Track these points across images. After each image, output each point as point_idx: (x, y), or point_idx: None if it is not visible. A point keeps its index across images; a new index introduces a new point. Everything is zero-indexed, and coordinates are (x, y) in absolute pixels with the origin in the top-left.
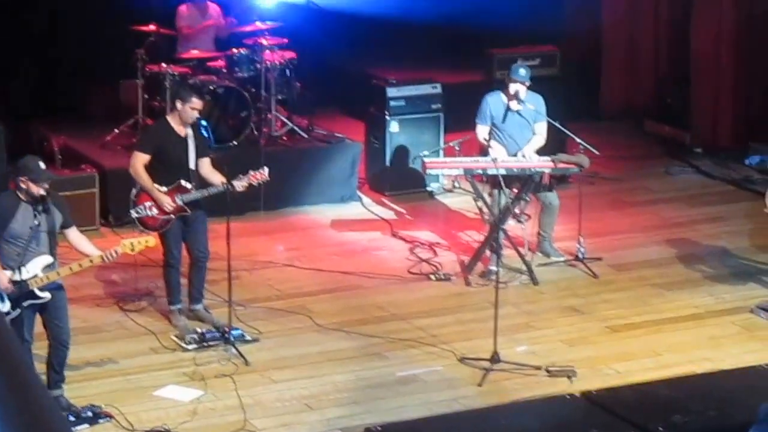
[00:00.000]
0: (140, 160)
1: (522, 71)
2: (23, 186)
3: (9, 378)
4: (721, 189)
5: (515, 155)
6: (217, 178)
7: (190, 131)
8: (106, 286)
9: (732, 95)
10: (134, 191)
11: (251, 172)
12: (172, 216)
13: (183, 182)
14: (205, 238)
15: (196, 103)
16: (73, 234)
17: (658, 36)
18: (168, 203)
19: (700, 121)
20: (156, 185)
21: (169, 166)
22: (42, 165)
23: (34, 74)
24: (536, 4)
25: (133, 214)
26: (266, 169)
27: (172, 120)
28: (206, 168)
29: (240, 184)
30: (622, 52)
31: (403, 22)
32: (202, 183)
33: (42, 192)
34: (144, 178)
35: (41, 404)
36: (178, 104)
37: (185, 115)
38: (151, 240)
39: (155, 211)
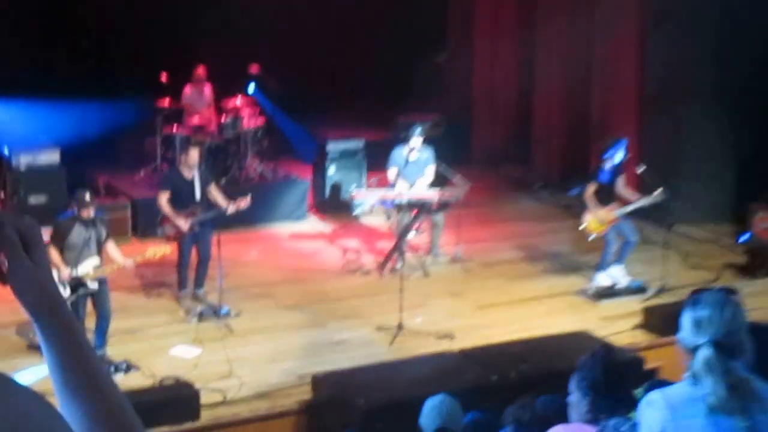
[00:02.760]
0: (163, 197)
1: (418, 129)
2: (76, 210)
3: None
4: (553, 211)
5: (412, 188)
6: (219, 200)
7: (195, 172)
8: (136, 280)
9: (559, 144)
10: (159, 217)
11: (239, 198)
12: (187, 233)
13: (192, 208)
14: (210, 245)
15: (194, 155)
16: (110, 245)
17: (510, 107)
18: (183, 223)
19: (538, 163)
20: (175, 212)
21: (181, 199)
22: (87, 197)
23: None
24: (427, 84)
25: (159, 233)
26: (249, 196)
27: (182, 167)
28: (213, 192)
29: (232, 208)
30: (486, 116)
31: (337, 97)
32: (209, 205)
33: (91, 214)
34: (165, 209)
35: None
36: (183, 157)
37: (189, 162)
38: (168, 249)
39: (174, 230)
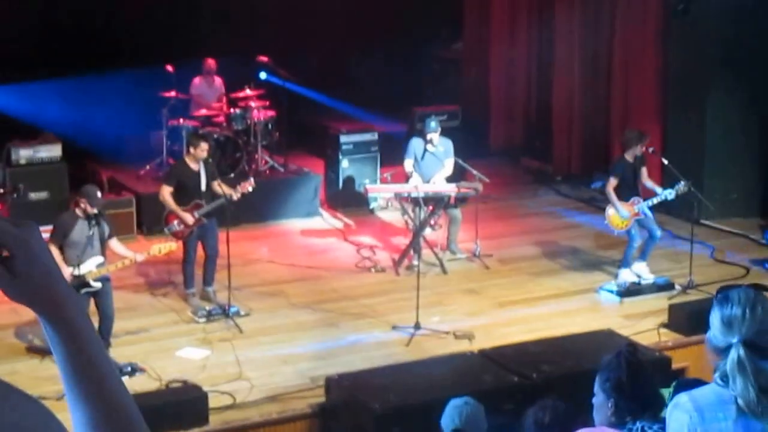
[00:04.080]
0: (166, 190)
1: (433, 124)
2: (82, 206)
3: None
4: (574, 205)
5: (429, 183)
6: (223, 191)
7: (201, 164)
8: (140, 278)
9: (580, 136)
10: (164, 213)
11: (242, 183)
12: (194, 228)
13: (198, 201)
14: (216, 241)
15: (204, 146)
16: (114, 242)
17: (528, 97)
18: (189, 218)
19: (559, 156)
20: (180, 206)
21: (187, 192)
22: (99, 193)
23: (88, 125)
24: (444, 74)
25: (166, 231)
26: (251, 179)
27: (189, 159)
28: (215, 186)
29: (235, 194)
30: (504, 107)
31: (351, 88)
32: (212, 198)
33: (95, 211)
34: (170, 203)
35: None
36: (191, 148)
37: (197, 155)
38: (174, 246)
39: (181, 226)
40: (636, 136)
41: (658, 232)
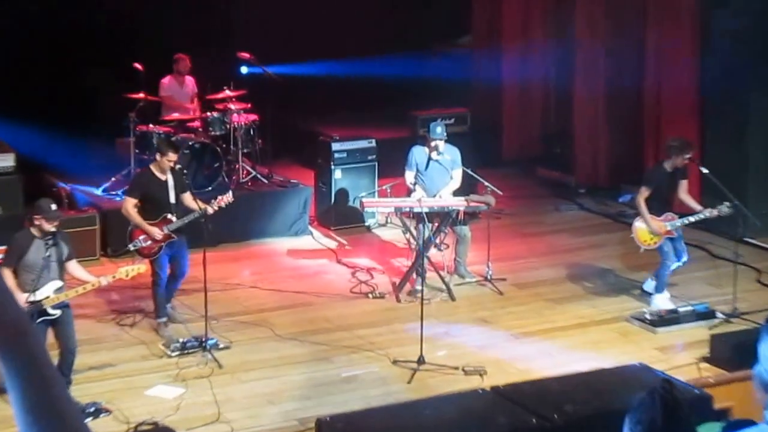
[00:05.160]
0: (130, 203)
1: (438, 129)
2: (37, 223)
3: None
4: (599, 222)
5: (435, 196)
6: (195, 206)
7: (169, 174)
8: (105, 305)
9: (606, 145)
10: (129, 228)
11: (219, 197)
12: (162, 243)
13: (167, 215)
14: (186, 260)
15: (172, 156)
16: (74, 265)
17: (546, 98)
18: (157, 233)
19: (581, 166)
20: (146, 221)
21: (154, 204)
22: (54, 206)
23: (44, 133)
24: (450, 72)
25: (131, 247)
26: (230, 193)
27: (154, 168)
28: (188, 200)
29: (211, 207)
30: (518, 111)
31: (342, 88)
32: (184, 213)
33: (52, 228)
34: (134, 217)
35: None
36: (158, 156)
37: (163, 165)
38: (143, 267)
39: (148, 242)
40: (679, 145)
41: (685, 256)
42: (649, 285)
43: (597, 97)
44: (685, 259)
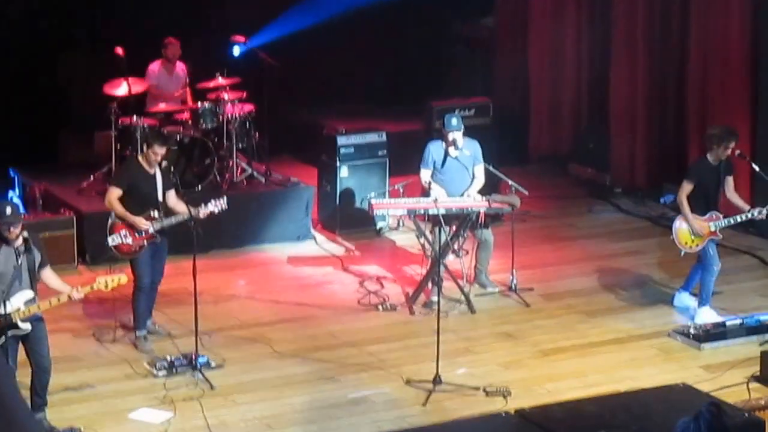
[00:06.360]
0: (114, 193)
1: (453, 120)
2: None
3: None
4: (638, 225)
5: (454, 196)
6: (181, 208)
7: (157, 168)
8: (82, 319)
9: (646, 141)
10: (110, 221)
11: (212, 201)
12: (144, 242)
13: (152, 212)
14: (163, 265)
15: (158, 149)
16: (47, 273)
17: (579, 89)
18: (144, 223)
19: (618, 163)
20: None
21: (139, 199)
22: (9, 210)
23: (14, 125)
24: (470, 59)
25: (110, 242)
26: (224, 198)
27: (142, 159)
28: (172, 199)
29: (202, 212)
30: (548, 101)
31: (349, 74)
32: (168, 213)
33: (13, 236)
34: (118, 208)
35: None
36: (145, 147)
37: (149, 158)
38: (124, 278)
39: (129, 239)
40: (719, 133)
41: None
42: (682, 299)
43: (635, 87)
44: (716, 268)
